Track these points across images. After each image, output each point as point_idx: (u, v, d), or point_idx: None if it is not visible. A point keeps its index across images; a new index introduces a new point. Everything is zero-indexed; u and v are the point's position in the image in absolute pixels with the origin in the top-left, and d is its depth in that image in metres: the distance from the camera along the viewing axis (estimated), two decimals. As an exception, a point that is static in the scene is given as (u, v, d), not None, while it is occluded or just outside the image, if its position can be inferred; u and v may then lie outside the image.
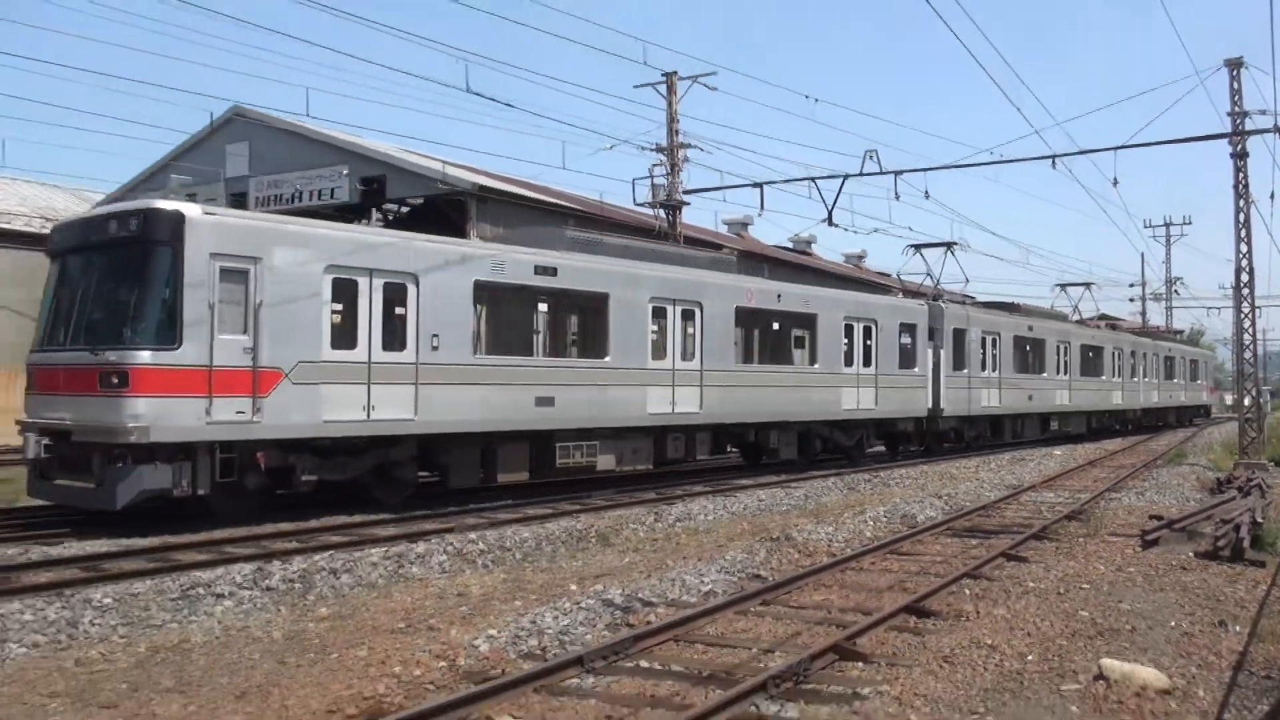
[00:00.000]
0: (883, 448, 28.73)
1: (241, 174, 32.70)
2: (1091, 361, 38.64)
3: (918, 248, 31.83)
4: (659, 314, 19.65)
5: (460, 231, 27.35)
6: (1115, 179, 32.76)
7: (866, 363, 24.99)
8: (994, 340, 30.78)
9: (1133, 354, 43.46)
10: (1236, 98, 27.06)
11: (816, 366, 23.65)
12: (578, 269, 18.25)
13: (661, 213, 30.14)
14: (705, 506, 17.53)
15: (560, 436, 17.76)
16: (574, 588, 10.67)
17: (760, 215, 45.16)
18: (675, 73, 29.85)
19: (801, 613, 9.69)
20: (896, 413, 26.52)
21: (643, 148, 29.99)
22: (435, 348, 15.65)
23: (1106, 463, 28.78)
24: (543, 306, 18.35)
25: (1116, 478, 23.20)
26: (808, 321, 23.68)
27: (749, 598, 9.97)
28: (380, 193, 30.93)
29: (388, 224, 32.39)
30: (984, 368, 30.19)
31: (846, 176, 26.45)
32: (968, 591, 10.61)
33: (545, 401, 17.23)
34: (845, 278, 44.72)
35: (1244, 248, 27.57)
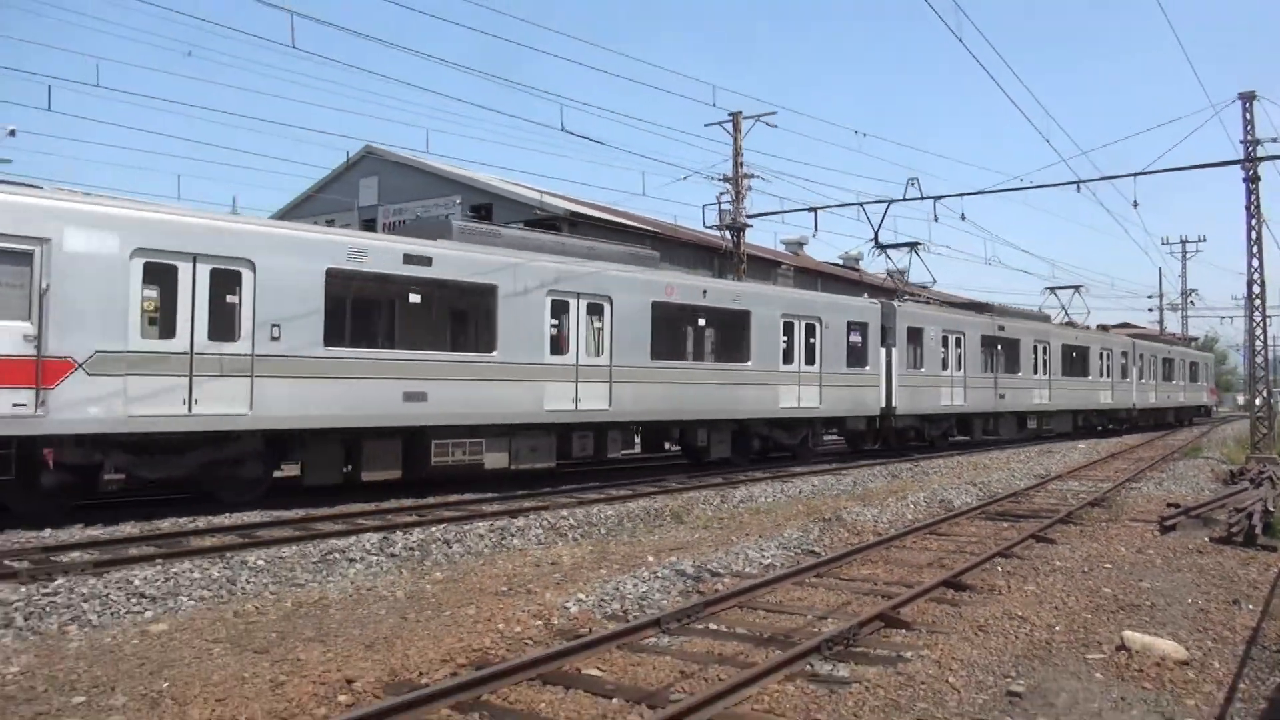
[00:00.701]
0: (834, 451, 26.18)
1: (371, 203, 33.46)
2: (1076, 362, 34.75)
3: (883, 248, 28.71)
4: (560, 308, 16.82)
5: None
6: (1135, 201, 31.60)
7: (810, 360, 21.75)
8: (958, 339, 27.37)
9: (1124, 355, 39.27)
10: (1249, 127, 26.02)
11: (749, 364, 20.29)
12: (457, 259, 15.40)
13: (728, 234, 30.04)
14: (766, 490, 17.38)
15: (438, 433, 15.07)
16: (651, 559, 10.66)
17: (815, 236, 44.58)
18: (740, 112, 29.70)
19: (851, 584, 9.55)
20: (845, 411, 23.16)
21: (712, 178, 29.90)
22: (275, 338, 13.11)
23: (1127, 455, 27.83)
24: (415, 297, 15.08)
25: (1136, 469, 22.41)
26: (740, 319, 20.32)
27: (804, 570, 9.85)
28: (487, 218, 31.34)
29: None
30: (945, 366, 26.79)
31: (891, 201, 25.98)
32: (1000, 569, 10.34)
33: (416, 397, 14.59)
34: (888, 289, 43.98)
35: (1255, 263, 26.46)
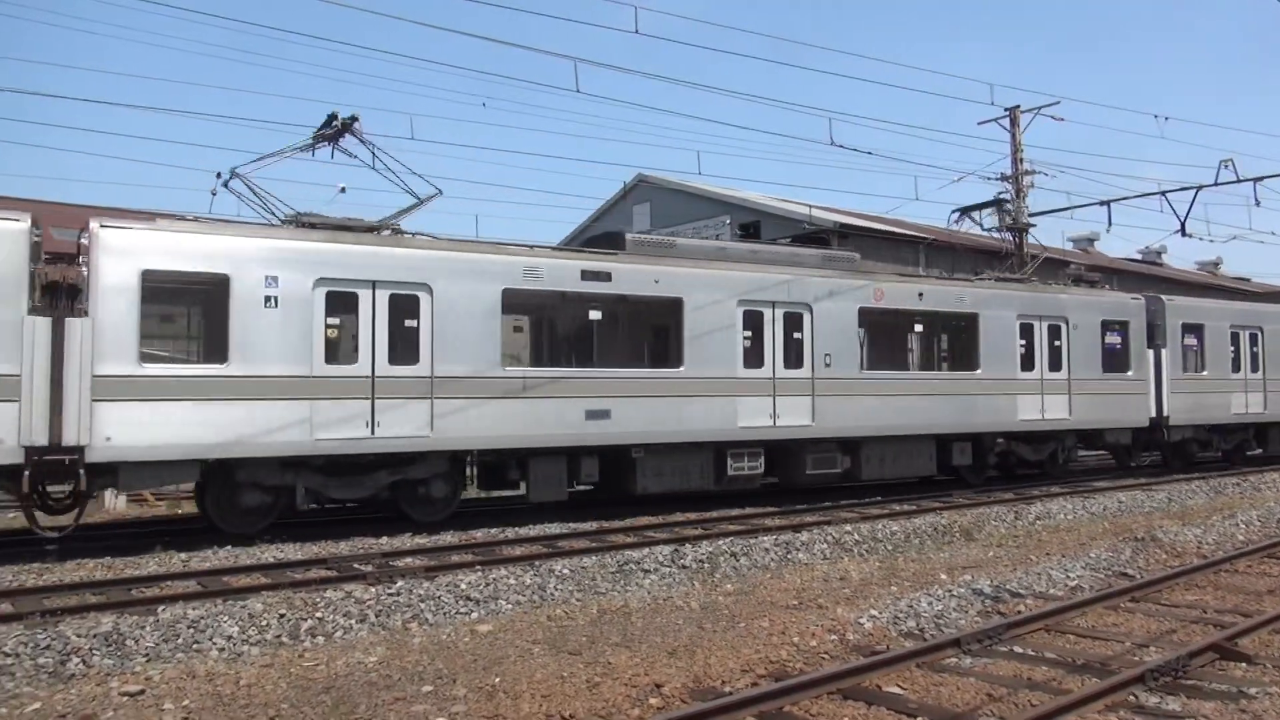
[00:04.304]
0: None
1: (644, 229, 34.86)
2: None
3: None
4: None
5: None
6: None
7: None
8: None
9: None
10: None
11: None
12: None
13: (1009, 236, 28.39)
14: (1064, 506, 16.22)
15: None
16: (944, 577, 10.31)
17: (1108, 231, 40.69)
18: (1018, 106, 28.03)
19: (1174, 611, 8.71)
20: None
21: (988, 178, 28.44)
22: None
23: None
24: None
25: None
26: None
27: (1118, 594, 9.11)
28: (755, 236, 31.69)
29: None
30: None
31: (1200, 187, 23.52)
32: (1362, 599, 9.01)
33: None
34: (1198, 285, 39.73)
35: None
